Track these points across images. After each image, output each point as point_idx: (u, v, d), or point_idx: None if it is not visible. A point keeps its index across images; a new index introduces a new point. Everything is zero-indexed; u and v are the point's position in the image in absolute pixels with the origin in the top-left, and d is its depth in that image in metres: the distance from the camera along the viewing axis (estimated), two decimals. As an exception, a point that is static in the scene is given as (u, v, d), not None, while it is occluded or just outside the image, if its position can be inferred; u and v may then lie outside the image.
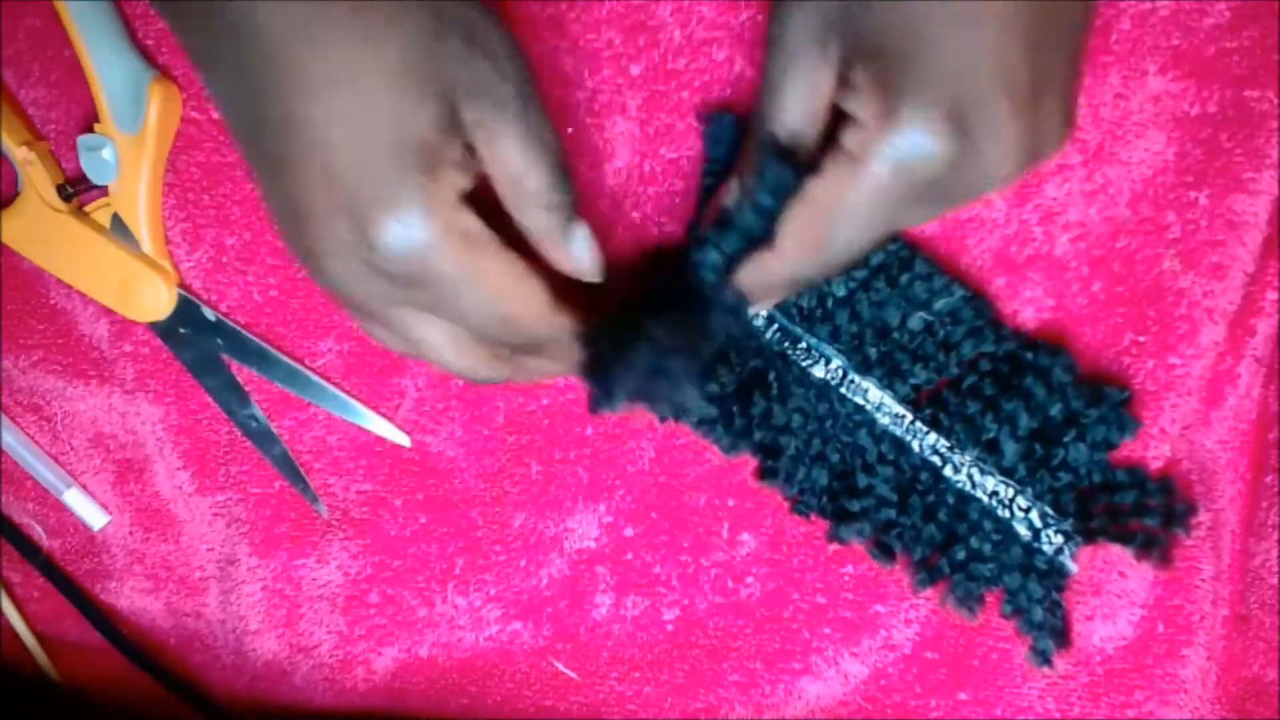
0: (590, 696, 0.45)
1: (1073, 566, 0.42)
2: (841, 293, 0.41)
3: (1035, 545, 0.41)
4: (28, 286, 0.45)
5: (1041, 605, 0.42)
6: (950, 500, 0.42)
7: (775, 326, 0.41)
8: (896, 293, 0.41)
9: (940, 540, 0.42)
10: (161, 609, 0.47)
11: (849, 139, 0.31)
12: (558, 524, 0.44)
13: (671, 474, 0.44)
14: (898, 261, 0.41)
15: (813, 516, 0.43)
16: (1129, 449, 0.43)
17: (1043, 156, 0.32)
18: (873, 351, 0.41)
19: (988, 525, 0.41)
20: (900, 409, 0.41)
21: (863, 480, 0.42)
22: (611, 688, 0.45)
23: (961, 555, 0.42)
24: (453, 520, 0.45)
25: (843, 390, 0.41)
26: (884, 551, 0.42)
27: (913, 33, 0.30)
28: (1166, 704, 0.43)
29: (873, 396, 0.41)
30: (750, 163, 0.35)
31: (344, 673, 0.46)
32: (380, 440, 0.45)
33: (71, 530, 0.47)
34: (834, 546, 0.44)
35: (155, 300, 0.43)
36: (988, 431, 0.41)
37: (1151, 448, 0.43)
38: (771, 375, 0.41)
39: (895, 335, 0.41)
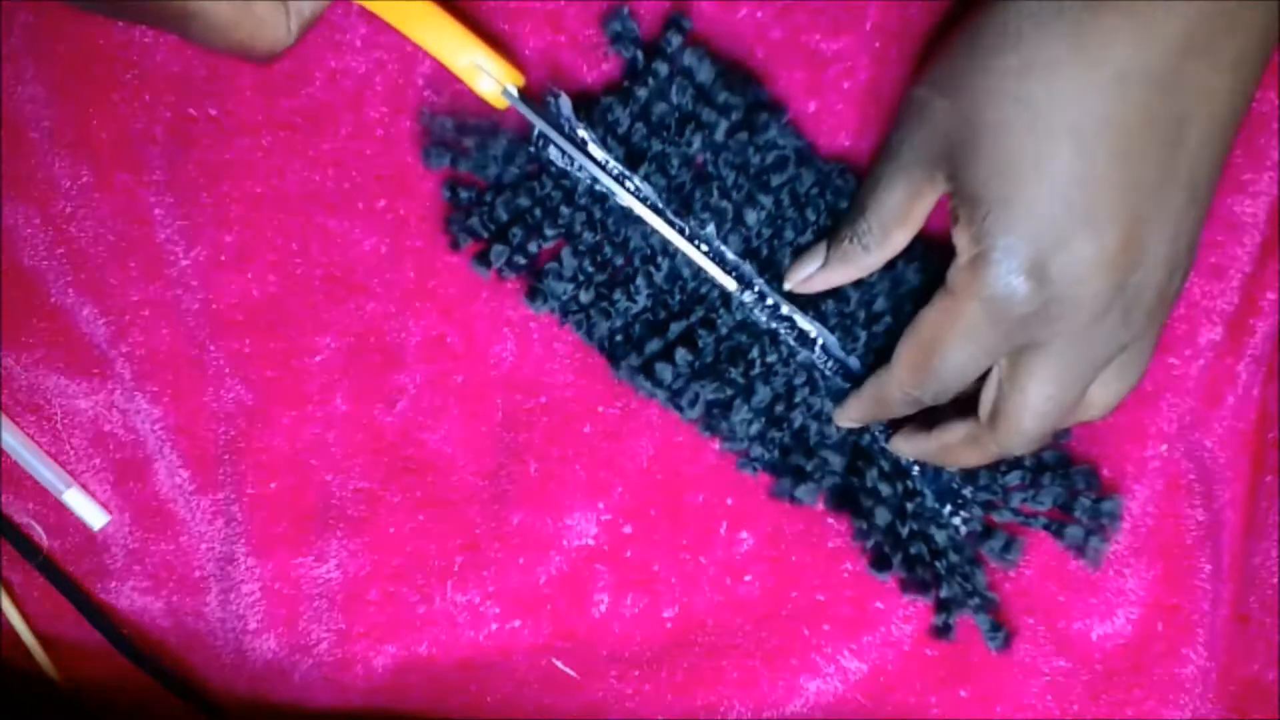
0: (590, 695, 0.45)
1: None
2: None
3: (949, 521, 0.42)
4: (28, 286, 0.45)
5: (957, 577, 0.42)
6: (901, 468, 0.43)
7: (768, 302, 0.41)
8: (889, 276, 0.41)
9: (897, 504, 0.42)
10: (161, 609, 0.47)
11: (951, 274, 0.34)
12: (556, 521, 0.44)
13: (670, 471, 0.44)
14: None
15: (805, 509, 0.43)
16: (1126, 454, 0.43)
17: (1149, 304, 0.33)
18: (862, 334, 0.41)
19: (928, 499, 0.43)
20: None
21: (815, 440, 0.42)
22: (611, 686, 0.45)
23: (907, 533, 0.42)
24: (451, 518, 0.45)
25: (827, 371, 0.41)
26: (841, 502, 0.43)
27: (1001, 180, 0.32)
28: (1166, 703, 0.43)
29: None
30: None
31: (343, 671, 0.46)
32: (378, 437, 0.45)
33: (71, 530, 0.47)
34: (833, 543, 0.44)
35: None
36: None
37: (1150, 447, 0.43)
38: (755, 351, 0.41)
39: (887, 319, 0.41)
